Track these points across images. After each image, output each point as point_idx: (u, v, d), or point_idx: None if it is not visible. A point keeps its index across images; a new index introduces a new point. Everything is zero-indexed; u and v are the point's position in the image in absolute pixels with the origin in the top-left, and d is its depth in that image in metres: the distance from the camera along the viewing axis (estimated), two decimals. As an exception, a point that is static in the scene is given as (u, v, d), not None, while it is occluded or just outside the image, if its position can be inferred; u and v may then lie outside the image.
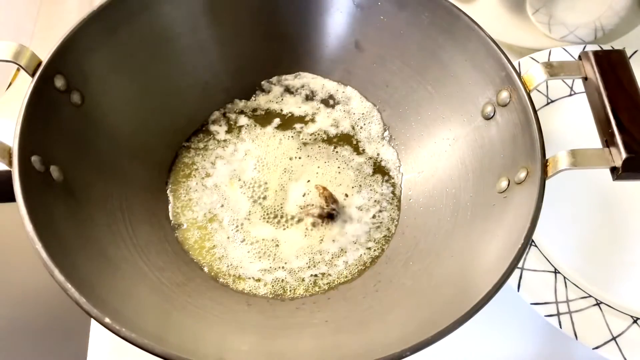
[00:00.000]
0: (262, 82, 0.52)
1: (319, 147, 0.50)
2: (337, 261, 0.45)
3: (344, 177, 0.49)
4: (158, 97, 0.48)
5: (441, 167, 0.47)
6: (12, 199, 0.34)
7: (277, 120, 0.52)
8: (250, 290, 0.44)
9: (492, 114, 0.42)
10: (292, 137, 0.51)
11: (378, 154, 0.50)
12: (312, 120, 0.52)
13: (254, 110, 0.52)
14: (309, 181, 0.49)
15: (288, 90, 0.52)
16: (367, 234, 0.47)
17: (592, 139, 0.38)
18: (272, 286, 0.44)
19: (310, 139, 0.51)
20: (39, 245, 0.32)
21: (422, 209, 0.47)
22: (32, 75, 0.37)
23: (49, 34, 0.57)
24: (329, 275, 0.45)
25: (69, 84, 0.40)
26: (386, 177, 0.49)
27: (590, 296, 0.44)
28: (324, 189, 0.47)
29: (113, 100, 0.44)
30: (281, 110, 0.52)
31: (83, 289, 0.32)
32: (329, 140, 0.51)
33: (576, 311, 0.43)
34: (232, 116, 0.51)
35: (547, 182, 0.36)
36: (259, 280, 0.44)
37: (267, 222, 0.47)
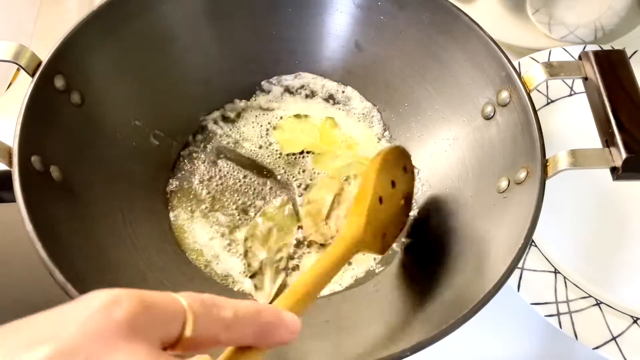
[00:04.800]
0: (262, 82, 0.52)
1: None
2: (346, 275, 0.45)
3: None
4: (158, 97, 0.48)
5: (441, 167, 0.47)
6: (12, 199, 0.34)
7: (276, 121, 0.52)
8: (250, 290, 0.44)
9: (492, 114, 0.42)
10: (292, 137, 0.51)
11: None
12: (312, 120, 0.52)
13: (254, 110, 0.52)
14: (307, 185, 0.49)
15: (288, 90, 0.52)
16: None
17: (592, 139, 0.38)
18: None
19: (310, 139, 0.51)
20: (39, 245, 0.32)
21: (422, 209, 0.47)
22: (32, 75, 0.37)
23: (49, 34, 0.57)
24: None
25: (69, 84, 0.40)
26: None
27: (590, 296, 0.44)
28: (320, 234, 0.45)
29: (113, 100, 0.44)
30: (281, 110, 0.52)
31: (83, 290, 0.32)
32: (329, 140, 0.51)
33: (576, 311, 0.43)
34: (232, 116, 0.51)
35: (547, 182, 0.36)
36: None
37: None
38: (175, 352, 0.21)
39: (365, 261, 0.45)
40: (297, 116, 0.51)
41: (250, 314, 0.23)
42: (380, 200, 0.39)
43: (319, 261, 0.33)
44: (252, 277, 0.44)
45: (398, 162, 0.42)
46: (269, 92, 0.52)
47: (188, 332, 0.21)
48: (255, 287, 0.43)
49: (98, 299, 0.20)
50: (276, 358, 0.37)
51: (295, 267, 0.44)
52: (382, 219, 0.39)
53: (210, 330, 0.21)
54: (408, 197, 0.44)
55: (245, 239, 0.44)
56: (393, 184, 0.41)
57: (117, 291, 0.20)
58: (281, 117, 0.51)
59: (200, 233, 0.46)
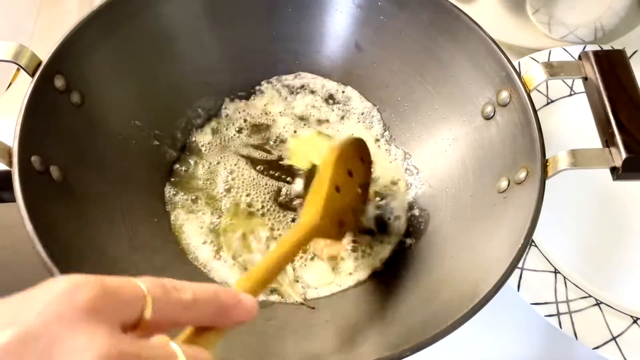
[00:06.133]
0: (262, 82, 0.52)
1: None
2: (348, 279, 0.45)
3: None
4: (158, 97, 0.48)
5: (441, 167, 0.47)
6: (12, 199, 0.34)
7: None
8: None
9: (492, 114, 0.42)
10: (292, 137, 0.51)
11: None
12: (312, 120, 0.52)
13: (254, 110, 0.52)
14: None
15: (288, 90, 0.52)
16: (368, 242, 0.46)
17: (592, 139, 0.38)
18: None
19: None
20: (39, 246, 0.32)
21: (422, 209, 0.47)
22: (32, 75, 0.37)
23: (49, 34, 0.57)
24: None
25: (69, 84, 0.40)
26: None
27: (590, 296, 0.44)
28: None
29: (113, 100, 0.44)
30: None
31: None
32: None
33: (576, 311, 0.43)
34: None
35: (547, 182, 0.36)
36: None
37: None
38: (136, 334, 0.22)
39: (368, 264, 0.45)
40: (319, 133, 0.50)
41: (209, 296, 0.24)
42: (338, 189, 0.41)
43: (278, 247, 0.34)
44: None
45: (355, 154, 0.44)
46: (268, 92, 0.52)
47: (147, 314, 0.22)
48: (276, 290, 0.43)
49: (60, 283, 0.20)
50: (276, 358, 0.37)
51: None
52: (338, 207, 0.41)
53: (169, 312, 0.23)
54: (364, 186, 0.45)
55: (234, 257, 0.44)
56: (350, 173, 0.42)
57: (78, 276, 0.21)
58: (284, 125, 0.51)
59: (195, 236, 0.46)
